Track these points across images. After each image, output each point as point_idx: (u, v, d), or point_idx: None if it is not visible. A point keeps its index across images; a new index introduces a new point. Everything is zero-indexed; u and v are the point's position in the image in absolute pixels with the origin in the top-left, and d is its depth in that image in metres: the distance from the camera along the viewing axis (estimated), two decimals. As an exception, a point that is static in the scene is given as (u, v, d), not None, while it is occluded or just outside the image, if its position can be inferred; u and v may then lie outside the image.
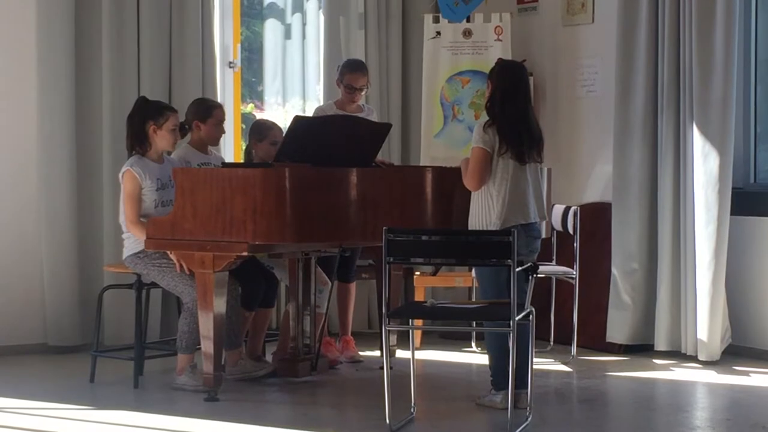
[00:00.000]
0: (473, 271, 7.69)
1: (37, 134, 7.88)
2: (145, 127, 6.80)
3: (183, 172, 6.52)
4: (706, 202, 7.50)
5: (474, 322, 6.67)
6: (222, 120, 7.20)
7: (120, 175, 6.81)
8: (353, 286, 7.73)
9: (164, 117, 6.83)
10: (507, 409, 5.81)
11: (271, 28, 9.06)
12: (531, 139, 6.29)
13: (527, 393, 6.07)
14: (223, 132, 7.26)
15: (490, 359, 6.33)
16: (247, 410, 6.36)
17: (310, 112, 8.90)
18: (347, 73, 7.62)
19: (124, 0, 8.00)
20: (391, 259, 5.79)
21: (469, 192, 6.34)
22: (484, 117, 6.38)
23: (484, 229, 6.19)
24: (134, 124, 6.84)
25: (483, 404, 6.32)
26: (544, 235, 6.62)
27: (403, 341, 7.15)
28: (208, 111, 7.17)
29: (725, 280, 7.50)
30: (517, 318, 5.70)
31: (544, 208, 6.45)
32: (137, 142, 6.81)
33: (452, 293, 8.47)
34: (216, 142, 7.28)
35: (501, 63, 6.49)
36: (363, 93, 7.69)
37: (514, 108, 6.25)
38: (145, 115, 6.82)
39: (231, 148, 8.41)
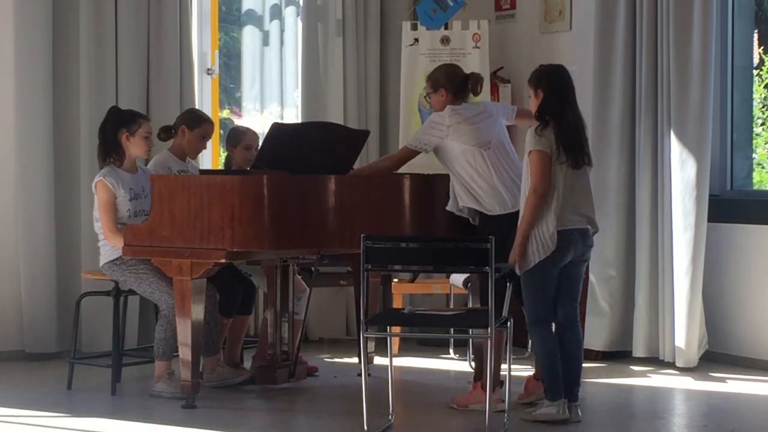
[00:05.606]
0: (451, 277, 7.70)
1: (14, 141, 7.85)
2: (118, 136, 6.78)
3: (161, 179, 6.51)
4: (683, 209, 7.52)
5: (452, 329, 6.66)
6: (207, 136, 7.18)
7: (93, 185, 6.79)
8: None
9: (137, 124, 6.80)
10: (565, 420, 5.88)
11: (249, 35, 9.04)
12: (585, 143, 6.13)
13: (578, 405, 6.08)
14: (204, 147, 7.25)
15: (540, 368, 6.17)
16: (224, 417, 6.35)
17: (287, 119, 8.90)
18: None
19: (102, 7, 7.98)
20: (369, 266, 5.79)
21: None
22: None
23: (541, 236, 5.95)
24: (106, 134, 6.82)
25: (537, 419, 6.04)
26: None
27: (381, 348, 7.15)
28: (197, 121, 7.15)
29: (702, 287, 7.53)
30: (495, 325, 5.70)
31: (594, 214, 6.21)
32: (111, 151, 6.79)
33: (430, 300, 8.47)
34: (195, 154, 7.26)
35: (546, 69, 6.26)
36: None
37: (571, 113, 6.08)
38: (117, 124, 6.80)
39: (209, 154, 8.39)
